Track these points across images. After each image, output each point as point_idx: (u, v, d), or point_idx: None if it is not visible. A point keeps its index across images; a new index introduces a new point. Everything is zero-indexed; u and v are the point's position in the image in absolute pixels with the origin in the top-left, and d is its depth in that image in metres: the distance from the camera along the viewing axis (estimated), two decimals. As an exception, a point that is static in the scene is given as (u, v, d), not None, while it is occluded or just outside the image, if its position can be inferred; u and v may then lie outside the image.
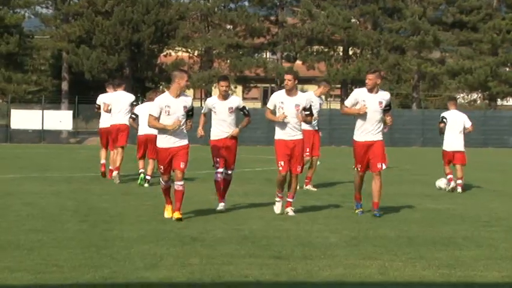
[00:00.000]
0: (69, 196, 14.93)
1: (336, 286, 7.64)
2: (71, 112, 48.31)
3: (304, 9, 55.09)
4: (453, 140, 17.44)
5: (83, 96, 49.04)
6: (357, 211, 12.78)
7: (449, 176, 17.16)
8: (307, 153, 16.47)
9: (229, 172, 13.13)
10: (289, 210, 12.57)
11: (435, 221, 12.07)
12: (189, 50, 55.78)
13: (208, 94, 55.87)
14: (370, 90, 12.53)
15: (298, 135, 12.58)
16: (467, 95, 59.03)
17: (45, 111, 47.60)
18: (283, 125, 12.48)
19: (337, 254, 9.08)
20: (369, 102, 12.46)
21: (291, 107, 12.46)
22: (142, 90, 56.52)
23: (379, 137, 12.63)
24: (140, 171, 17.68)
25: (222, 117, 12.92)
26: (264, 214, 12.57)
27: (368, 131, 12.55)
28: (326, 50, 56.27)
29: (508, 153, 38.50)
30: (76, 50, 50.14)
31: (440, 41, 55.14)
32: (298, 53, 55.66)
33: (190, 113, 11.88)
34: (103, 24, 49.52)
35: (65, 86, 52.22)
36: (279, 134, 12.58)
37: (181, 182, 11.80)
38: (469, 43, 55.62)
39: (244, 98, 58.35)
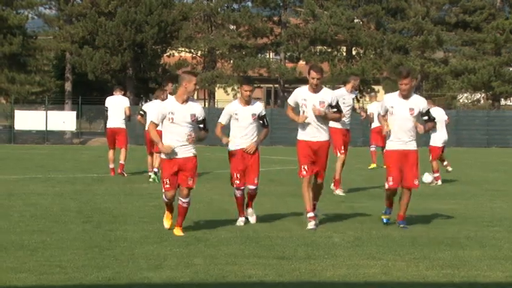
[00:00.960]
0: (73, 197, 14.94)
1: (339, 286, 7.65)
2: (74, 113, 48.33)
3: (307, 9, 55.06)
4: (441, 136, 19.18)
5: (86, 96, 49.06)
6: (382, 216, 11.65)
7: (436, 174, 18.76)
8: (342, 152, 15.74)
9: (253, 187, 11.56)
10: (312, 225, 11.08)
11: (438, 221, 12.07)
12: (192, 51, 55.78)
13: (212, 94, 55.90)
14: (405, 96, 11.25)
15: (324, 136, 11.35)
16: (471, 95, 58.92)
17: (48, 112, 47.62)
18: (306, 124, 11.28)
19: (341, 254, 9.08)
20: (399, 108, 11.25)
21: (316, 105, 11.26)
22: (146, 91, 56.54)
23: (413, 146, 11.37)
24: (149, 174, 18.70)
25: (244, 124, 11.43)
26: (267, 214, 12.56)
27: (401, 140, 11.29)
28: (329, 50, 56.25)
29: (511, 153, 38.45)
30: (79, 51, 50.17)
31: (443, 41, 55.09)
32: (301, 53, 55.63)
33: (201, 125, 10.53)
34: (106, 25, 49.54)
35: (68, 86, 52.25)
36: (302, 134, 11.37)
37: (187, 199, 10.57)
38: (472, 43, 55.56)
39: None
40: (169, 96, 10.80)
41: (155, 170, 18.25)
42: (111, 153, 20.30)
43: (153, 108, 16.69)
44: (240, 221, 11.51)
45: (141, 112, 19.33)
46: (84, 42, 50.49)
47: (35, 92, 51.49)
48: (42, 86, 51.32)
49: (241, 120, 11.43)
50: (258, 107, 11.54)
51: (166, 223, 10.87)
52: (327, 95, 11.39)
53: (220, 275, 7.88)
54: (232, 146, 11.50)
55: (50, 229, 10.73)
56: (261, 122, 11.52)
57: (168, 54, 54.97)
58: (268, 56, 59.48)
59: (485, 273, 8.11)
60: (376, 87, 53.02)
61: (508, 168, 26.30)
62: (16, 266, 8.19)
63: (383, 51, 55.38)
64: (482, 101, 57.81)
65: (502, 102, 57.70)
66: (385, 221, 11.52)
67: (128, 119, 20.51)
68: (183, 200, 10.55)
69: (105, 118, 21.13)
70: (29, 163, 25.88)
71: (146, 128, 17.45)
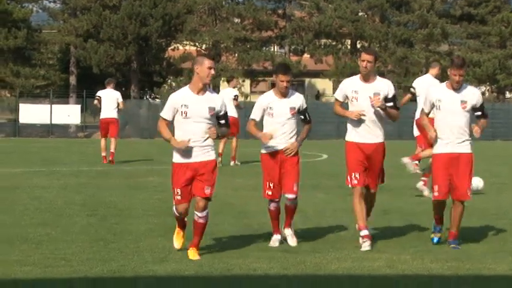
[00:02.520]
0: (78, 190, 14.95)
1: (344, 279, 7.64)
2: (79, 106, 48.35)
3: (312, 2, 54.98)
4: None
5: (91, 90, 48.96)
6: (432, 235, 9.61)
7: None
8: (422, 148, 14.37)
9: (291, 197, 9.38)
10: (367, 245, 9.09)
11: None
12: (197, 44, 55.73)
13: (216, 88, 55.90)
14: (457, 89, 9.26)
15: (379, 137, 9.43)
16: (476, 88, 58.93)
17: (53, 105, 47.64)
18: (357, 122, 9.36)
19: (346, 247, 9.08)
20: (448, 101, 9.25)
21: (368, 97, 9.35)
22: (150, 85, 56.56)
23: (466, 148, 9.33)
24: None
25: (281, 120, 9.36)
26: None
27: (450, 140, 9.28)
28: (334, 43, 56.16)
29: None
30: (84, 44, 50.17)
31: (448, 34, 54.98)
32: (306, 47, 55.55)
33: (222, 121, 8.65)
34: (111, 18, 49.52)
35: (73, 80, 52.27)
36: (352, 135, 9.45)
37: (205, 213, 8.54)
38: (477, 36, 55.44)
39: (252, 92, 58.37)
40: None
41: None
42: (103, 141, 22.11)
43: None
44: (275, 240, 9.34)
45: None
46: (89, 35, 50.49)
47: (39, 86, 51.50)
48: (47, 79, 51.32)
49: (277, 115, 9.38)
50: (298, 99, 9.49)
51: (177, 243, 8.88)
52: (383, 84, 9.44)
53: (225, 268, 7.88)
54: (265, 148, 9.45)
55: (55, 222, 10.74)
56: (302, 117, 9.49)
57: (172, 47, 54.94)
58: (272, 49, 59.41)
59: (490, 266, 8.10)
60: (380, 81, 52.86)
61: (513, 161, 26.23)
62: (21, 259, 8.20)
63: (388, 44, 55.28)
64: (487, 94, 57.69)
65: (507, 95, 57.60)
66: (435, 240, 9.49)
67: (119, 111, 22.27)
68: (199, 215, 8.53)
69: (94, 107, 23.88)
70: (33, 156, 25.90)
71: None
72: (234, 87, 23.14)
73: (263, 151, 9.48)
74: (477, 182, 14.69)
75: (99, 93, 22.62)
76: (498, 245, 9.37)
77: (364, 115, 9.29)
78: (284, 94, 9.42)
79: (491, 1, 55.35)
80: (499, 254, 8.72)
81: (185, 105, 8.52)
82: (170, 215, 11.58)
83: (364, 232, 9.21)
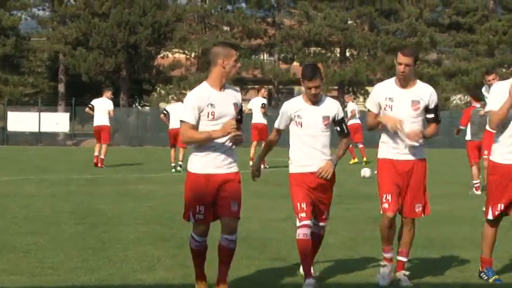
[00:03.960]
0: (66, 198, 14.89)
1: (333, 287, 7.63)
2: (67, 114, 48.25)
3: (301, 11, 55.09)
4: None
5: (79, 98, 48.96)
6: (490, 280, 7.91)
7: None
8: (486, 155, 13.44)
9: (322, 224, 7.91)
10: (402, 278, 7.81)
11: (433, 222, 12.05)
12: (186, 52, 55.73)
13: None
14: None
15: (419, 154, 7.77)
16: (464, 96, 59.02)
17: (41, 113, 47.52)
18: (392, 134, 7.75)
19: (335, 255, 9.06)
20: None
21: (405, 105, 7.75)
22: (139, 92, 56.49)
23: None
24: (172, 165, 22.34)
25: (312, 132, 7.60)
26: (261, 215, 12.54)
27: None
28: (323, 51, 56.27)
29: None
30: (73, 52, 50.10)
31: (436, 42, 55.19)
32: (295, 55, 55.63)
33: (239, 116, 7.25)
34: (100, 26, 49.48)
35: (61, 88, 52.17)
36: (385, 150, 7.82)
37: (235, 236, 7.26)
38: (465, 44, 55.66)
39: (242, 100, 58.34)
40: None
41: (180, 163, 21.90)
42: (97, 147, 23.87)
43: (176, 109, 21.90)
44: (308, 284, 7.39)
45: (164, 112, 23.32)
46: (78, 43, 50.43)
47: (28, 94, 51.40)
48: (36, 87, 51.23)
49: (307, 125, 7.61)
50: (333, 107, 7.72)
51: None
52: (424, 90, 7.79)
53: (214, 276, 7.86)
54: (295, 168, 7.72)
55: (43, 231, 10.69)
56: (338, 128, 7.75)
57: (162, 55, 54.94)
58: (262, 57, 59.48)
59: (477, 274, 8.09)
60: (369, 89, 53.03)
61: (501, 169, 26.29)
62: (8, 267, 8.15)
63: (377, 52, 55.44)
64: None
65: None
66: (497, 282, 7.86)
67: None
68: (229, 238, 7.20)
69: (87, 114, 25.19)
70: (22, 165, 25.81)
71: (170, 127, 22.40)
72: (263, 96, 24.69)
73: (292, 171, 7.73)
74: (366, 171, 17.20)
75: (93, 101, 24.13)
76: (487, 253, 9.37)
77: (402, 125, 7.61)
78: (315, 101, 7.68)
79: (479, 10, 55.59)
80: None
81: (211, 105, 7.05)
82: (159, 223, 11.54)
83: (384, 262, 7.84)
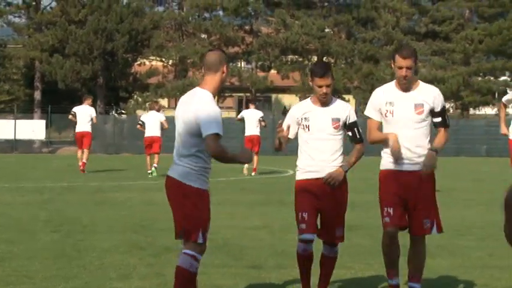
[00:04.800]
0: (42, 206, 14.80)
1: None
2: (43, 122, 48.03)
3: (279, 19, 55.24)
4: None
5: (55, 105, 48.79)
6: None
7: None
8: None
9: (335, 249, 7.26)
10: None
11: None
12: (164, 59, 55.70)
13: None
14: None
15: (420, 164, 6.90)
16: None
17: (17, 120, 47.26)
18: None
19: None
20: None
21: (408, 110, 6.96)
22: (116, 100, 56.34)
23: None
24: (148, 172, 23.45)
25: (320, 136, 6.98)
26: (238, 223, 12.53)
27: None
28: (300, 59, 56.45)
29: (480, 162, 38.75)
30: (49, 59, 49.90)
31: (413, 50, 55.50)
32: (272, 62, 55.77)
33: None
34: (76, 33, 49.33)
35: (37, 95, 51.93)
36: (387, 161, 6.99)
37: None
38: (441, 53, 56.04)
39: (219, 107, 58.36)
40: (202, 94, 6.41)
41: (155, 165, 23.24)
42: (79, 152, 24.82)
43: (150, 119, 23.78)
44: None
45: (139, 122, 24.38)
46: (54, 50, 50.25)
47: (3, 101, 51.14)
48: (11, 94, 50.99)
49: (314, 129, 7.02)
50: (343, 109, 7.10)
51: None
52: (427, 92, 7.05)
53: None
54: (300, 175, 7.09)
55: (18, 239, 10.62)
56: (350, 133, 7.08)
57: (138, 62, 54.86)
58: (239, 65, 59.56)
59: (455, 282, 8.14)
60: (346, 97, 53.22)
61: (476, 177, 26.49)
62: (-17, 276, 8.08)
63: (354, 60, 55.69)
64: (451, 111, 58.27)
65: (471, 111, 58.18)
66: None
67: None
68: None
69: (69, 121, 26.09)
70: (-3, 172, 25.62)
71: (146, 134, 23.73)
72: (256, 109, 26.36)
73: (298, 178, 7.09)
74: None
75: (75, 109, 24.92)
76: (462, 260, 9.43)
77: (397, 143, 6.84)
78: (324, 102, 7.06)
79: (455, 19, 56.01)
80: (463, 270, 8.77)
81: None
82: (135, 231, 11.50)
83: (393, 281, 7.01)
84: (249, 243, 10.49)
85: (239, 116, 25.84)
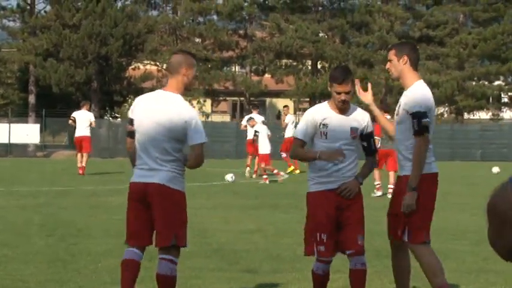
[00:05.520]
0: (36, 210, 14.78)
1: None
2: (38, 125, 47.93)
3: (273, 23, 55.27)
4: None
5: (50, 109, 48.69)
6: None
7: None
8: None
9: (358, 257, 6.72)
10: None
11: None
12: (158, 63, 55.68)
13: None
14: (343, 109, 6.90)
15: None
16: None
17: (11, 124, 47.16)
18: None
19: (306, 268, 9.06)
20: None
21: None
22: (110, 104, 56.27)
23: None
24: None
25: (337, 145, 6.68)
26: (232, 227, 12.53)
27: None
28: (295, 63, 56.49)
29: (475, 166, 38.80)
30: (43, 63, 49.83)
31: (407, 55, 55.55)
32: (267, 67, 55.80)
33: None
34: (71, 38, 49.28)
35: (32, 99, 51.85)
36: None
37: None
38: (435, 57, 56.12)
39: (213, 111, 58.39)
40: None
41: None
42: (78, 156, 25.23)
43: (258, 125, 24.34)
44: None
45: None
46: (49, 54, 50.18)
47: (-3, 105, 51.02)
48: (6, 98, 50.89)
49: (332, 136, 6.68)
50: (362, 118, 6.82)
51: None
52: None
53: (185, 288, 7.83)
54: (313, 186, 6.71)
55: (13, 243, 10.60)
56: (365, 144, 6.82)
57: (133, 67, 54.83)
58: (234, 69, 59.57)
59: (450, 287, 8.14)
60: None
61: (471, 181, 26.53)
62: (-23, 280, 8.07)
63: (348, 65, 55.71)
64: (445, 115, 58.37)
65: (465, 116, 58.28)
66: None
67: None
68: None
69: (69, 127, 26.93)
70: (-9, 176, 25.57)
71: None
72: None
73: (310, 189, 6.72)
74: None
75: (74, 114, 25.59)
76: (456, 264, 9.44)
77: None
78: (343, 109, 6.72)
79: (450, 23, 56.11)
80: (457, 274, 8.78)
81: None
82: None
83: None
84: (244, 247, 10.49)
85: (243, 123, 26.74)
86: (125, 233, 6.57)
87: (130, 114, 6.63)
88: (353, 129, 6.68)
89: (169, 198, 6.30)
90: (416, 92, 6.70)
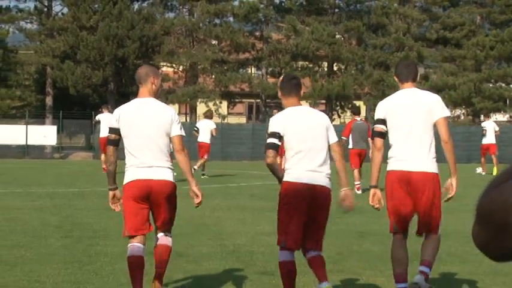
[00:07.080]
0: (53, 211, 14.84)
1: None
2: (55, 127, 48.12)
3: (289, 25, 55.26)
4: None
5: (67, 111, 48.90)
6: None
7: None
8: None
9: (315, 253, 7.27)
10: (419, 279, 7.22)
11: (418, 237, 12.06)
12: (174, 65, 55.78)
13: (193, 109, 55.89)
14: None
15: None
16: (451, 111, 59.31)
17: (29, 126, 47.39)
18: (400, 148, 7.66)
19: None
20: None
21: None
22: (127, 106, 56.39)
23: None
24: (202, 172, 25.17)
25: None
26: (248, 229, 12.53)
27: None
28: (311, 65, 56.44)
29: (491, 168, 38.62)
30: (60, 65, 50.04)
31: (424, 57, 55.43)
32: (283, 69, 55.77)
33: None
34: (88, 40, 49.47)
35: (49, 101, 52.07)
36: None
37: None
38: (452, 59, 55.93)
39: (229, 113, 58.41)
40: None
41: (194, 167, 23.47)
42: (103, 156, 25.35)
43: (204, 125, 25.49)
44: None
45: (195, 128, 26.23)
46: (66, 56, 50.39)
47: (15, 107, 51.27)
48: (23, 100, 51.12)
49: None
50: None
51: None
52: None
53: None
54: (289, 177, 7.06)
55: (29, 244, 10.65)
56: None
57: (149, 69, 54.91)
58: (250, 71, 59.58)
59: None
60: (357, 103, 53.18)
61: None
62: (-5, 281, 8.11)
63: (364, 67, 55.63)
64: (462, 117, 58.17)
65: (482, 118, 58.04)
66: None
67: None
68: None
69: (86, 129, 27.65)
70: (8, 177, 25.70)
71: (199, 140, 25.40)
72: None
73: (287, 178, 6.99)
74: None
75: (99, 116, 27.31)
76: (473, 267, 9.40)
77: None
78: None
79: (466, 25, 55.91)
80: (474, 276, 8.75)
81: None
82: (146, 237, 11.47)
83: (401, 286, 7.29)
84: (260, 249, 10.49)
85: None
86: (124, 226, 7.60)
87: (114, 125, 7.27)
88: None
89: (172, 192, 7.19)
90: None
